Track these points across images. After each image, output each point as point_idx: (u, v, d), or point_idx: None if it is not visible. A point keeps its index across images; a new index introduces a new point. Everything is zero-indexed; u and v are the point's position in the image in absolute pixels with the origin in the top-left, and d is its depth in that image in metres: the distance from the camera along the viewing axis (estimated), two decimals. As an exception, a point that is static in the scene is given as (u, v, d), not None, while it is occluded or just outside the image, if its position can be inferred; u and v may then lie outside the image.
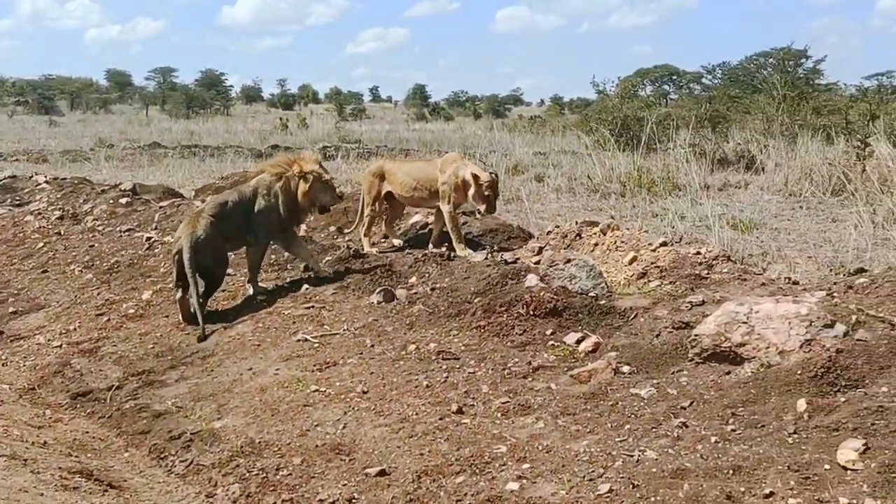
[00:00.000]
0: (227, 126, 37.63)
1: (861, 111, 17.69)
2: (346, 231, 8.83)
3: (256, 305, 6.59)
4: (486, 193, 7.56)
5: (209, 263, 6.62)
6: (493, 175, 7.87)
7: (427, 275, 6.58)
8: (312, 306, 6.33)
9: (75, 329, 6.86)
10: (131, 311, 7.00)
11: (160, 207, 9.77)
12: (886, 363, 3.98)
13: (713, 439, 3.79)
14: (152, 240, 8.67)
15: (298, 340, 5.78)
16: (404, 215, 9.12)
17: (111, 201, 10.51)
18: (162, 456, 4.60)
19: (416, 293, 6.23)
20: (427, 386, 4.84)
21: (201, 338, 6.22)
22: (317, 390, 4.96)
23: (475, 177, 7.60)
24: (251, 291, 6.87)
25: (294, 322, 6.14)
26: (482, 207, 7.72)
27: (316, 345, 5.68)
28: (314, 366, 5.34)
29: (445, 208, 7.81)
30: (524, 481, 3.72)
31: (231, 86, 79.42)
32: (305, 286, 6.76)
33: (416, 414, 4.54)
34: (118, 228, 9.42)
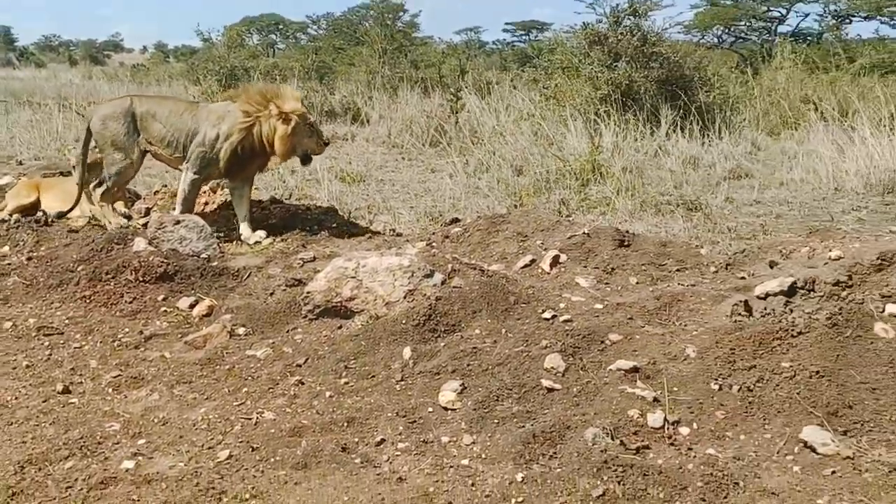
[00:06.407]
0: None
1: (452, 66, 19.07)
2: None
3: None
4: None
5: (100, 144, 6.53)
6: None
7: (22, 243, 6.03)
8: None
9: None
10: None
11: None
12: (478, 307, 4.38)
13: (328, 394, 3.94)
14: None
15: None
16: None
17: None
18: None
19: (9, 264, 5.68)
20: (27, 366, 4.46)
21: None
22: None
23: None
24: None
25: None
26: None
27: None
28: None
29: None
30: (140, 458, 3.59)
31: None
32: None
33: (17, 398, 4.16)
34: None
